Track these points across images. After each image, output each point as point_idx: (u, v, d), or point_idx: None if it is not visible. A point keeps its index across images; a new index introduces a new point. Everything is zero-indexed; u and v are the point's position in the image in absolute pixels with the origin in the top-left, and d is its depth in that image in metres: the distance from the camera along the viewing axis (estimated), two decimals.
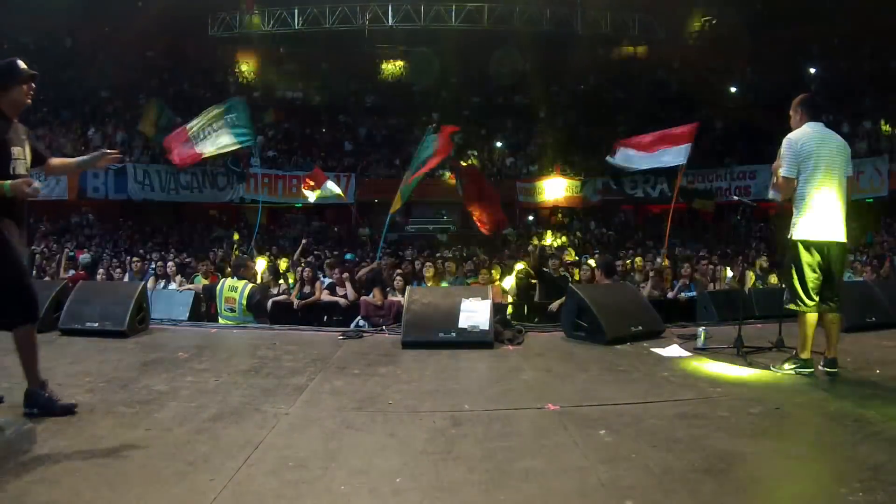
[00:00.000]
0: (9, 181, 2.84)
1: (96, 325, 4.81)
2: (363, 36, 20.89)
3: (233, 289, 5.84)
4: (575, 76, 22.92)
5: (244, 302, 5.76)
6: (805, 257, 3.66)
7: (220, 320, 5.85)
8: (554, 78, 22.81)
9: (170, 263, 8.44)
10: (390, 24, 20.64)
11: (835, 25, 18.85)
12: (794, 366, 3.69)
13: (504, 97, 23.26)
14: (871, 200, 15.79)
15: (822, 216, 3.62)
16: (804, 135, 3.66)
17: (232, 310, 5.81)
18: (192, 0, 19.31)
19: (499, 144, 22.21)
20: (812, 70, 20.70)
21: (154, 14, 18.53)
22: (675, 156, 8.20)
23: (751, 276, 7.93)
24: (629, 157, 8.51)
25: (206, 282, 7.56)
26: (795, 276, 3.71)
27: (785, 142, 3.70)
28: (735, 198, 5.06)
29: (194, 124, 8.09)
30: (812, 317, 3.68)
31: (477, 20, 20.63)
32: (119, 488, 2.17)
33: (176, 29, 20.21)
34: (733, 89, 21.88)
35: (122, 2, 18.70)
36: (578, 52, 21.77)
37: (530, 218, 20.96)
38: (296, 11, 20.76)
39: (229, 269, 6.89)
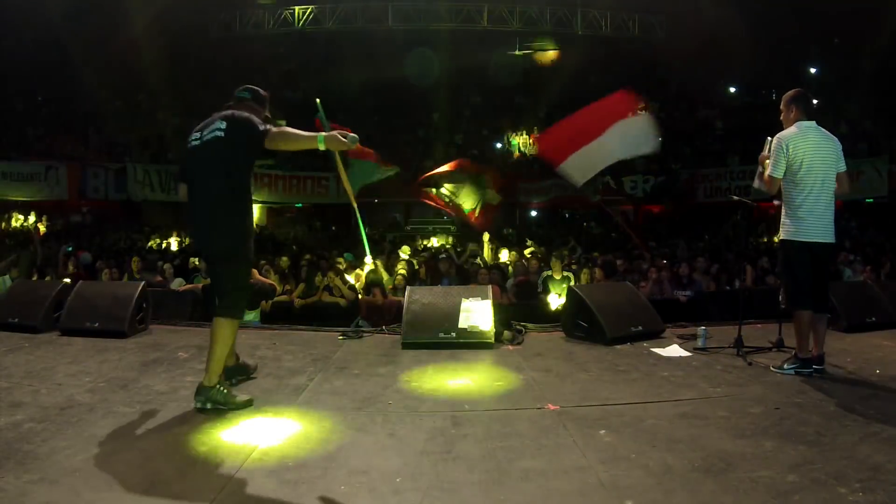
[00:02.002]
0: (323, 133, 3.11)
1: (96, 325, 4.81)
2: (364, 35, 20.90)
3: None
4: (574, 76, 22.92)
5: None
6: (795, 258, 3.68)
7: None
8: (553, 78, 22.81)
9: (166, 265, 8.43)
10: (390, 24, 20.63)
11: (835, 25, 18.84)
12: (793, 366, 3.69)
13: (504, 97, 23.25)
14: (872, 200, 15.79)
15: (811, 218, 3.62)
16: (795, 134, 3.65)
17: None
18: (192, 0, 19.30)
19: (499, 145, 22.21)
20: (812, 70, 20.69)
21: (154, 14, 18.52)
22: (642, 139, 6.08)
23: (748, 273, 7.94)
24: (584, 161, 6.24)
25: (206, 281, 7.56)
26: (789, 277, 3.73)
27: (775, 140, 3.69)
28: (734, 198, 4.90)
29: None
30: (808, 316, 3.69)
31: (477, 20, 20.62)
32: (119, 488, 2.17)
33: (176, 29, 20.19)
34: (733, 89, 21.87)
35: (122, 2, 18.69)
36: (578, 52, 21.76)
37: (533, 213, 20.96)
38: (296, 11, 20.75)
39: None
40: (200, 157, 3.27)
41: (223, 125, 3.22)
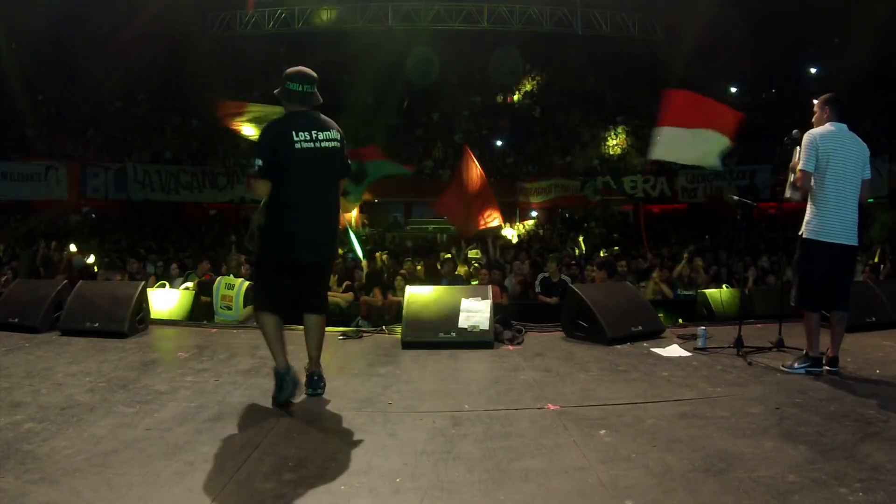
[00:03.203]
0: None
1: (96, 325, 4.81)
2: (364, 35, 20.91)
3: (229, 286, 5.88)
4: (575, 76, 22.94)
5: (241, 300, 5.79)
6: (815, 257, 3.66)
7: (216, 318, 5.87)
8: (554, 78, 22.83)
9: (173, 265, 8.46)
10: (390, 24, 20.65)
11: (835, 25, 18.85)
12: (804, 365, 3.68)
13: (504, 97, 23.28)
14: (872, 200, 15.81)
15: (835, 218, 3.62)
16: (827, 133, 3.65)
17: (229, 307, 5.84)
18: (192, 0, 19.31)
19: (499, 143, 22.22)
20: (812, 70, 20.71)
21: (154, 14, 18.52)
22: (717, 154, 6.23)
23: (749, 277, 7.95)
24: (673, 140, 6.34)
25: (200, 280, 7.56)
26: (804, 275, 3.71)
27: (807, 136, 3.69)
28: (735, 197, 4.88)
29: None
30: (817, 316, 3.68)
31: (477, 20, 20.64)
32: (119, 488, 2.17)
33: (176, 29, 20.20)
34: (733, 89, 21.89)
35: (121, 1, 18.70)
36: (578, 52, 21.78)
37: (534, 213, 20.97)
38: (296, 11, 20.76)
39: (225, 267, 6.88)
40: (316, 162, 3.16)
41: (337, 136, 3.24)
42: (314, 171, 3.16)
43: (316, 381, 3.33)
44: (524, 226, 19.11)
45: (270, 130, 3.21)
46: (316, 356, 3.37)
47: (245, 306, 5.85)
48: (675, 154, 6.55)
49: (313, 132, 3.15)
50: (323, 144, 3.16)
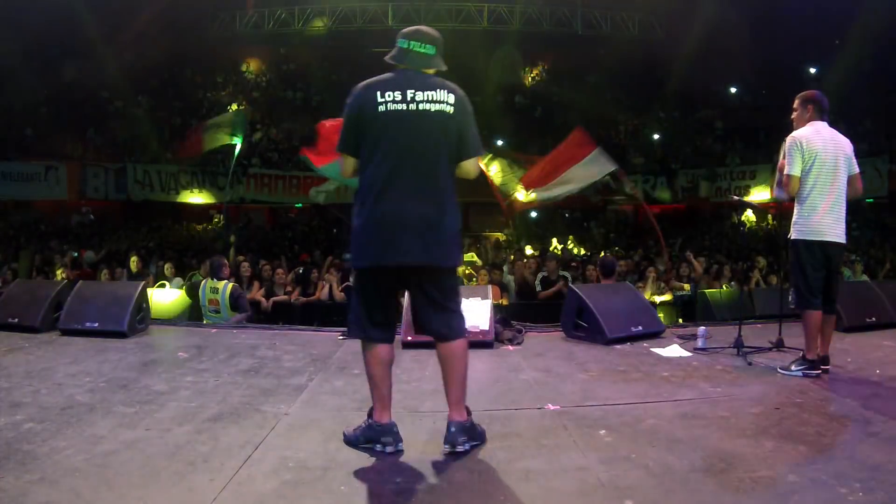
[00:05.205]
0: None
1: (96, 325, 4.81)
2: (364, 35, 20.91)
3: (214, 290, 5.90)
4: (575, 76, 22.91)
5: (228, 302, 5.82)
6: (807, 258, 3.66)
7: (206, 321, 5.89)
8: (554, 78, 22.81)
9: (167, 265, 8.47)
10: (390, 24, 20.64)
11: (835, 25, 18.85)
12: (801, 367, 3.67)
13: (504, 97, 23.26)
14: (872, 200, 15.80)
15: (823, 217, 3.61)
16: (810, 134, 3.64)
17: (217, 311, 5.86)
18: (192, 0, 19.30)
19: (500, 143, 22.21)
20: (812, 70, 20.69)
21: (154, 14, 18.51)
22: (599, 166, 7.01)
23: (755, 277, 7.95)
24: (549, 191, 7.43)
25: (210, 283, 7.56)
26: (800, 277, 3.71)
27: (790, 140, 3.68)
28: (734, 198, 4.90)
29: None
30: (818, 317, 3.68)
31: (477, 20, 20.63)
32: (119, 488, 2.17)
33: (176, 29, 20.20)
34: (733, 89, 21.88)
35: (121, 1, 18.70)
36: (578, 52, 21.77)
37: (533, 214, 20.96)
38: (296, 11, 20.76)
39: (205, 271, 6.88)
40: (410, 129, 2.41)
41: (451, 98, 2.46)
42: (407, 142, 2.40)
43: (453, 433, 2.48)
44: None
45: (353, 93, 2.49)
46: (454, 398, 2.56)
47: (232, 310, 5.88)
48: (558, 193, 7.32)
49: (408, 91, 2.40)
50: (421, 107, 2.39)
